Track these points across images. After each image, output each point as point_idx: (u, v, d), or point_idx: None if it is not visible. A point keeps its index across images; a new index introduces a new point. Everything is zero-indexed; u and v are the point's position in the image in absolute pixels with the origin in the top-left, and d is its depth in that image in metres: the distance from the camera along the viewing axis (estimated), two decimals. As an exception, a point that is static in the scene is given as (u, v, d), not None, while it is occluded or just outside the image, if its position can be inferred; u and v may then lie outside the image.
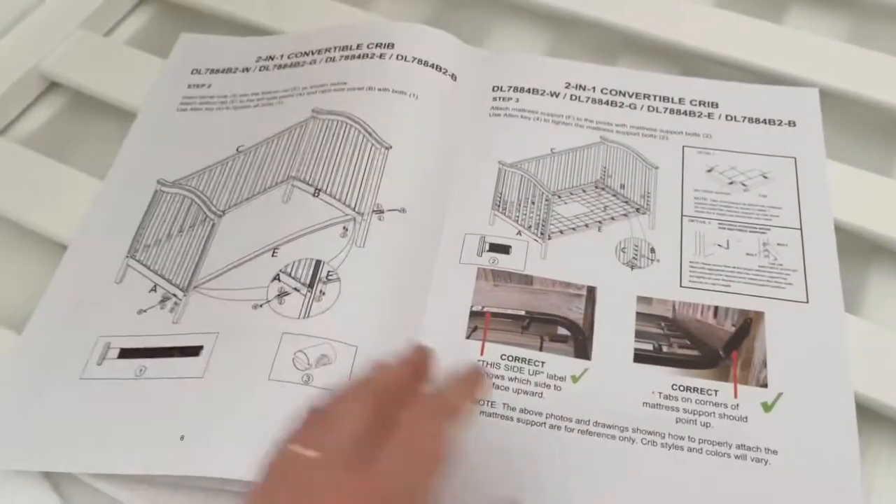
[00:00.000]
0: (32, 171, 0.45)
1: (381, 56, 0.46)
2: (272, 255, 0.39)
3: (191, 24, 0.53)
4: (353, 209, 0.40)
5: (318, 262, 0.38)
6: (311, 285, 0.38)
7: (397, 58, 0.46)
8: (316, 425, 0.27)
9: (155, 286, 0.39)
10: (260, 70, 0.48)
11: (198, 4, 0.53)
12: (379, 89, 0.45)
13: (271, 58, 0.49)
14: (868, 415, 0.36)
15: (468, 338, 0.37)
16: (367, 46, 0.47)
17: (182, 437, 0.33)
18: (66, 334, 0.38)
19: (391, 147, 0.42)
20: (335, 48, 0.48)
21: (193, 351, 0.36)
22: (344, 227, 0.39)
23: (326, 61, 0.47)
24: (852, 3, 0.52)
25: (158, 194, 0.43)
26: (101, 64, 0.50)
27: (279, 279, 0.38)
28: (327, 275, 0.38)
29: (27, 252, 0.44)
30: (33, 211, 0.44)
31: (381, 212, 0.40)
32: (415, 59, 0.46)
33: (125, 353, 0.37)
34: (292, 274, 0.38)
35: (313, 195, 0.41)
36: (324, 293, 0.37)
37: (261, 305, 0.37)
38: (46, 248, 0.43)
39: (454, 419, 0.28)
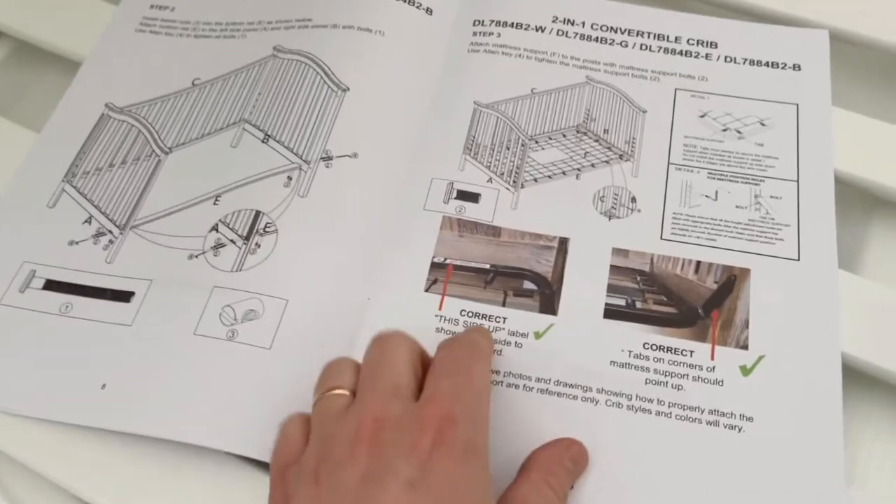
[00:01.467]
0: None
1: (349, -11, 0.43)
2: (214, 203, 0.37)
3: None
4: (301, 157, 0.37)
5: (258, 214, 0.36)
6: (247, 238, 0.35)
7: (366, -10, 0.43)
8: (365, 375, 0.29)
9: (90, 218, 0.37)
10: (226, -1, 0.45)
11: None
12: (344, 27, 0.41)
13: (239, -14, 0.46)
14: (859, 378, 0.33)
15: (427, 291, 0.35)
16: (335, -21, 0.44)
17: (103, 387, 0.32)
18: None
19: (348, 89, 0.39)
20: (304, -20, 0.45)
21: (125, 296, 0.34)
22: (288, 177, 0.37)
23: (294, -6, 0.44)
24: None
25: (105, 119, 0.41)
26: (46, 11, 0.46)
27: (217, 229, 0.36)
28: (265, 226, 0.36)
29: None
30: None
31: (330, 158, 0.37)
32: (386, -9, 0.43)
33: (51, 285, 0.35)
34: (231, 225, 0.36)
35: (262, 141, 0.38)
36: (259, 246, 0.35)
37: (196, 256, 0.35)
38: None
39: (481, 354, 0.30)
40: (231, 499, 0.31)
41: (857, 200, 0.39)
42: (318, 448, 0.26)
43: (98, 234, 0.37)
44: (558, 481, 0.29)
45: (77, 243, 0.36)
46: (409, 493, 0.24)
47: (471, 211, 0.37)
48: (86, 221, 0.37)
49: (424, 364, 0.29)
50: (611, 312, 0.34)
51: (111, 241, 0.36)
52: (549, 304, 0.34)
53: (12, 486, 0.33)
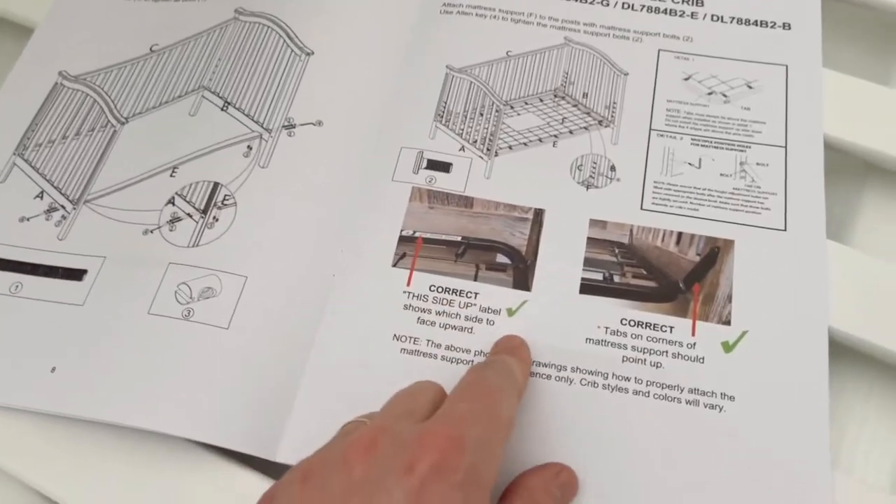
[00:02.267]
0: None
1: (315, -55, 0.41)
2: (171, 175, 0.35)
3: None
4: (262, 125, 0.35)
5: (216, 185, 0.34)
6: (204, 211, 0.33)
7: (336, -53, 0.40)
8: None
9: (42, 192, 0.35)
10: (187, -40, 0.43)
11: None
12: None
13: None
14: (847, 354, 0.32)
15: (394, 266, 0.33)
16: (305, -66, 0.41)
17: (53, 370, 0.30)
18: None
19: (313, 53, 0.37)
20: (271, -65, 0.42)
21: (77, 274, 0.33)
22: (248, 146, 0.35)
23: (260, -49, 0.42)
24: None
25: (58, 88, 0.38)
26: None
27: (174, 203, 0.34)
28: (223, 199, 0.34)
29: None
30: None
31: (292, 126, 0.35)
32: (356, -52, 0.40)
33: (0, 264, 0.33)
34: (188, 198, 0.34)
35: (222, 109, 0.36)
36: (217, 219, 0.33)
37: (152, 231, 0.33)
38: None
39: (513, 383, 0.28)
40: (187, 487, 0.29)
41: (848, 167, 0.37)
42: (316, 455, 0.25)
43: (50, 210, 0.35)
44: None
45: (28, 220, 0.35)
46: None
47: (442, 181, 0.35)
48: (37, 196, 0.35)
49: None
50: (587, 287, 0.32)
51: (64, 217, 0.35)
52: (522, 278, 0.33)
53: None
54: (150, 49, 0.39)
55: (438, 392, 0.27)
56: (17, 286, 0.33)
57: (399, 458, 0.23)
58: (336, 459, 0.24)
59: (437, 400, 0.27)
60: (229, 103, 0.36)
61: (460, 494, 0.23)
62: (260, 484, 0.29)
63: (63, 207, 0.35)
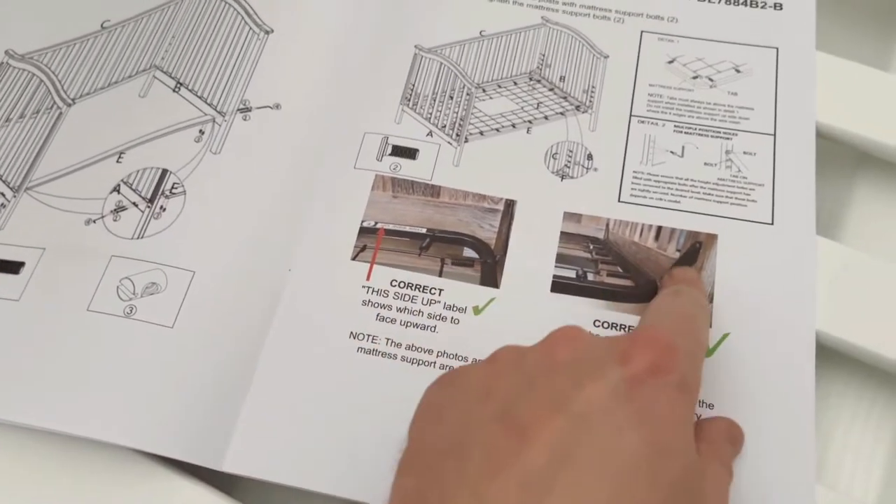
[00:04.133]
0: None
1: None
2: (117, 161, 0.32)
3: None
4: (215, 108, 0.33)
5: (164, 172, 0.32)
6: (151, 200, 0.31)
7: (297, -84, 0.38)
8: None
9: None
10: (143, -70, 0.40)
11: None
12: None
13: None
14: (834, 358, 0.30)
15: (354, 259, 0.31)
16: None
17: None
18: None
19: (272, 31, 0.35)
20: None
21: (13, 267, 0.30)
22: (200, 131, 0.33)
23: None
24: None
25: (3, 67, 0.36)
26: None
27: (119, 191, 0.32)
28: (172, 187, 0.31)
29: None
30: None
31: (248, 110, 0.33)
32: (318, -83, 0.38)
33: None
34: (134, 185, 0.32)
35: (174, 90, 0.34)
36: (164, 209, 0.31)
37: (94, 221, 0.31)
38: None
39: (706, 311, 0.28)
40: (129, 501, 0.27)
41: (840, 157, 0.35)
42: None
43: (-13, 197, 0.33)
44: (726, 456, 0.26)
45: None
46: (614, 398, 0.21)
47: (407, 168, 0.33)
48: None
49: None
50: (559, 286, 0.30)
51: (2, 205, 0.32)
52: (490, 275, 0.31)
53: None
54: (101, 26, 0.37)
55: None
56: None
57: (612, 350, 0.22)
58: (525, 350, 0.23)
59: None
60: (182, 84, 0.34)
61: (679, 394, 0.22)
62: (208, 496, 0.27)
63: (2, 195, 0.33)
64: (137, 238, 0.31)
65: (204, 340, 0.29)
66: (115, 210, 0.31)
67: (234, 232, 0.31)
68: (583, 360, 0.22)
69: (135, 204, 0.31)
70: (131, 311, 0.29)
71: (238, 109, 0.33)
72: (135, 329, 0.29)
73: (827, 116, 0.34)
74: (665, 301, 0.28)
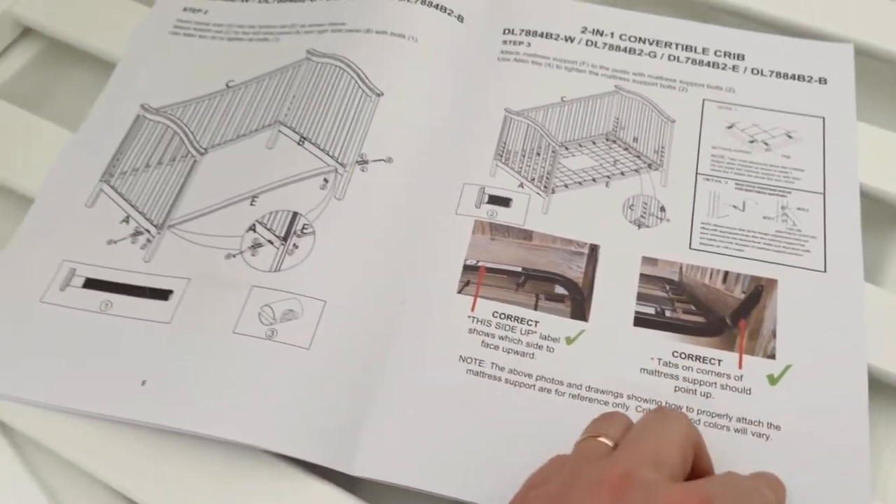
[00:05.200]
0: (1, 120, 0.43)
1: (382, -6, 0.44)
2: (251, 204, 0.37)
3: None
4: (336, 160, 0.38)
5: (295, 215, 0.36)
6: (285, 238, 0.36)
7: (399, -4, 0.43)
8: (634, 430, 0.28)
9: (128, 217, 0.38)
10: (260, 1, 0.46)
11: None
12: (377, 32, 0.42)
13: (272, -10, 0.47)
14: (883, 390, 0.34)
15: (459, 292, 0.35)
16: (368, -16, 0.44)
17: (143, 383, 0.32)
18: (30, 253, 0.37)
19: (382, 94, 0.40)
20: (337, -17, 0.45)
21: (163, 294, 0.35)
22: (325, 179, 0.37)
23: (327, -1, 0.45)
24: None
25: (140, 120, 0.41)
26: (79, 9, 0.47)
27: (255, 229, 0.36)
28: (303, 228, 0.36)
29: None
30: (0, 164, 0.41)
31: (365, 162, 0.38)
32: (418, -3, 0.43)
33: (91, 284, 0.36)
34: (268, 225, 0.36)
35: (298, 143, 0.39)
36: (297, 247, 0.36)
37: (234, 255, 0.36)
38: (13, 201, 0.41)
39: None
40: (268, 496, 0.31)
41: (881, 214, 0.39)
42: (564, 479, 0.26)
43: (136, 234, 0.37)
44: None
45: (115, 242, 0.37)
46: None
47: (502, 215, 0.38)
48: (123, 221, 0.38)
49: (700, 456, 0.29)
50: (641, 320, 0.35)
51: (149, 241, 0.37)
52: (580, 309, 0.35)
53: (51, 480, 0.33)
54: (227, 85, 0.42)
55: (688, 433, 0.28)
56: (107, 304, 0.35)
57: None
58: (583, 493, 0.25)
59: (687, 444, 0.28)
60: (305, 138, 0.39)
61: None
62: (336, 496, 0.31)
63: (148, 231, 0.37)
64: (275, 271, 0.35)
65: (335, 360, 0.33)
66: (252, 246, 0.36)
67: (358, 267, 0.35)
68: None
69: (270, 241, 0.36)
70: (273, 333, 0.33)
71: (356, 161, 0.38)
72: (276, 350, 0.33)
73: (868, 178, 0.38)
74: (725, 477, 0.28)
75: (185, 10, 0.46)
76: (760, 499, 0.27)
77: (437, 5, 0.43)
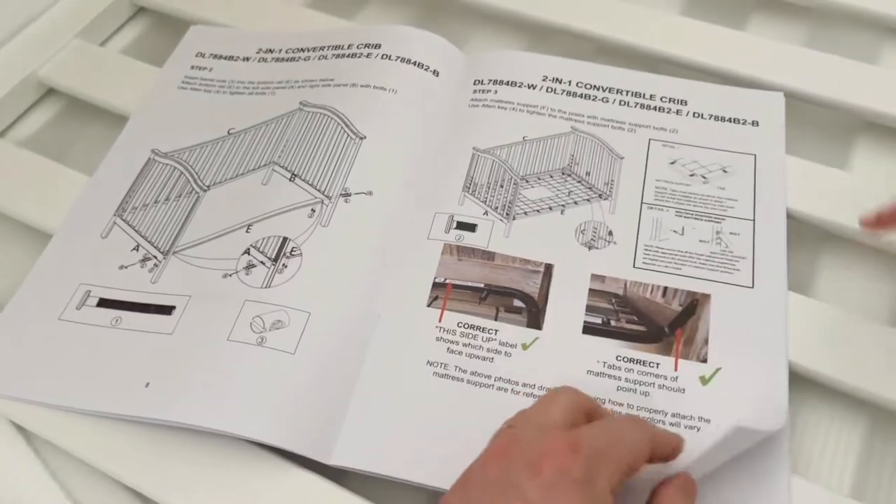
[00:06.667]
0: (27, 168, 0.47)
1: (367, 55, 0.50)
2: (246, 231, 0.42)
3: (182, 35, 0.54)
4: (323, 193, 0.43)
5: (285, 239, 0.41)
6: (275, 259, 0.41)
7: (382, 57, 0.49)
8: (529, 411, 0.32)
9: (137, 246, 0.43)
10: (259, 61, 0.52)
11: (190, 17, 0.56)
12: (361, 85, 0.48)
13: (270, 51, 0.53)
14: (806, 383, 0.38)
15: (429, 306, 0.40)
16: (357, 47, 0.51)
17: (147, 384, 0.37)
18: (51, 278, 0.42)
19: (365, 137, 0.45)
20: (328, 47, 0.51)
21: (166, 310, 0.40)
22: (312, 209, 0.43)
23: (319, 59, 0.51)
24: (810, 11, 0.54)
25: (151, 162, 0.47)
26: (96, 71, 0.52)
27: (249, 253, 0.41)
28: (291, 250, 0.41)
29: (16, 242, 0.46)
30: (25, 204, 0.46)
31: (349, 195, 0.43)
32: (398, 57, 0.49)
33: (103, 303, 0.40)
34: (261, 249, 0.41)
35: (290, 179, 0.44)
36: (286, 266, 0.40)
37: (230, 275, 0.41)
38: (37, 237, 0.45)
39: (655, 438, 0.31)
40: (253, 482, 0.35)
41: (809, 234, 0.44)
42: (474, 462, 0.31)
43: (144, 259, 0.42)
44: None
45: (126, 267, 0.42)
46: None
47: (468, 238, 0.42)
48: (134, 249, 0.43)
49: (594, 416, 0.33)
50: (589, 329, 0.39)
51: (156, 265, 0.42)
52: (535, 320, 0.40)
53: (67, 479, 0.38)
54: (228, 132, 0.48)
55: (571, 400, 0.32)
56: (117, 320, 0.40)
57: (529, 465, 0.28)
58: (479, 464, 0.30)
59: (571, 408, 0.32)
60: (296, 175, 0.44)
61: (577, 487, 0.28)
62: (315, 482, 0.35)
63: (155, 258, 0.42)
64: (265, 287, 0.40)
65: (318, 363, 0.38)
66: (246, 267, 0.41)
67: (339, 284, 0.40)
68: (507, 478, 0.28)
69: (262, 262, 0.41)
70: (262, 340, 0.38)
71: (341, 194, 0.43)
72: (265, 354, 0.38)
73: (797, 204, 0.43)
74: (605, 420, 0.33)
75: (192, 68, 0.52)
76: (631, 435, 0.30)
77: (416, 62, 0.49)
